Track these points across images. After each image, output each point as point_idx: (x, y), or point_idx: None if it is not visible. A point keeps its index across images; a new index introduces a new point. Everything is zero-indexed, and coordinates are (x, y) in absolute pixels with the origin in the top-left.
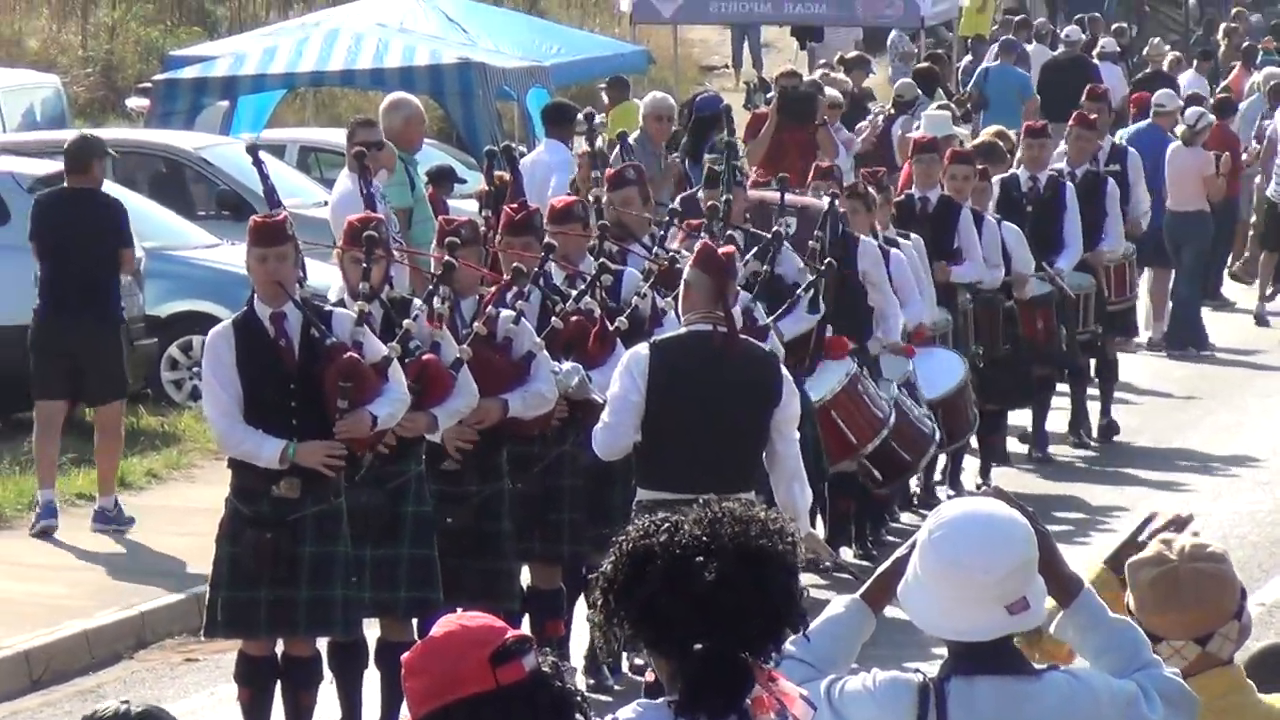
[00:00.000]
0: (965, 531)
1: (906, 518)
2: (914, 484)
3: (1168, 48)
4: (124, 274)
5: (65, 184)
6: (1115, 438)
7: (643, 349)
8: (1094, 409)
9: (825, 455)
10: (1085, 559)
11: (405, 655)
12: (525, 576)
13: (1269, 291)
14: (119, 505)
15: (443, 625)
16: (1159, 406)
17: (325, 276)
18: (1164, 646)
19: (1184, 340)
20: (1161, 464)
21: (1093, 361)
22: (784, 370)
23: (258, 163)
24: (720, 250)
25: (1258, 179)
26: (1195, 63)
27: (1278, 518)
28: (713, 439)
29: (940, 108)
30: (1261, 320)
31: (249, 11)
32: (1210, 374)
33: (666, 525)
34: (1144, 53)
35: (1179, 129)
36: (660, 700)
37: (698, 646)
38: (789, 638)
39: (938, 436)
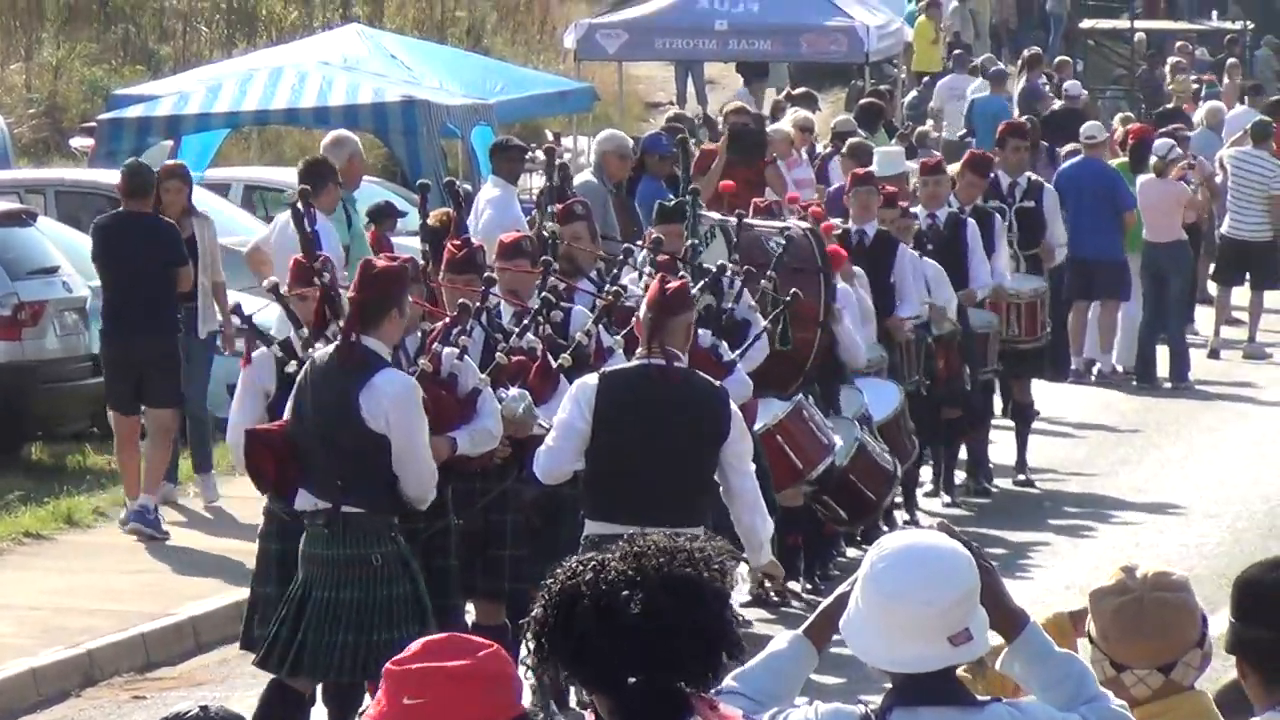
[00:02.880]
0: (907, 563)
1: (853, 552)
2: None
3: (1193, 83)
4: (182, 289)
5: (122, 209)
6: (1049, 474)
7: (591, 379)
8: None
9: (771, 487)
10: (1034, 595)
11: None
12: (470, 613)
13: (1222, 328)
14: (159, 513)
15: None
16: (1105, 440)
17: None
18: (1128, 675)
19: (1151, 374)
20: (1107, 498)
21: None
22: (733, 406)
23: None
24: (669, 286)
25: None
26: (1246, 98)
27: (1224, 550)
28: (658, 472)
29: (863, 140)
30: (1214, 354)
31: (193, 50)
32: (1156, 407)
33: (593, 564)
34: (1166, 87)
35: (1151, 160)
36: None
37: (632, 680)
38: (728, 667)
39: (898, 473)
